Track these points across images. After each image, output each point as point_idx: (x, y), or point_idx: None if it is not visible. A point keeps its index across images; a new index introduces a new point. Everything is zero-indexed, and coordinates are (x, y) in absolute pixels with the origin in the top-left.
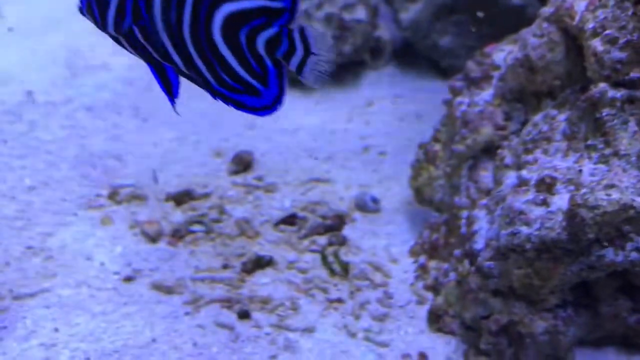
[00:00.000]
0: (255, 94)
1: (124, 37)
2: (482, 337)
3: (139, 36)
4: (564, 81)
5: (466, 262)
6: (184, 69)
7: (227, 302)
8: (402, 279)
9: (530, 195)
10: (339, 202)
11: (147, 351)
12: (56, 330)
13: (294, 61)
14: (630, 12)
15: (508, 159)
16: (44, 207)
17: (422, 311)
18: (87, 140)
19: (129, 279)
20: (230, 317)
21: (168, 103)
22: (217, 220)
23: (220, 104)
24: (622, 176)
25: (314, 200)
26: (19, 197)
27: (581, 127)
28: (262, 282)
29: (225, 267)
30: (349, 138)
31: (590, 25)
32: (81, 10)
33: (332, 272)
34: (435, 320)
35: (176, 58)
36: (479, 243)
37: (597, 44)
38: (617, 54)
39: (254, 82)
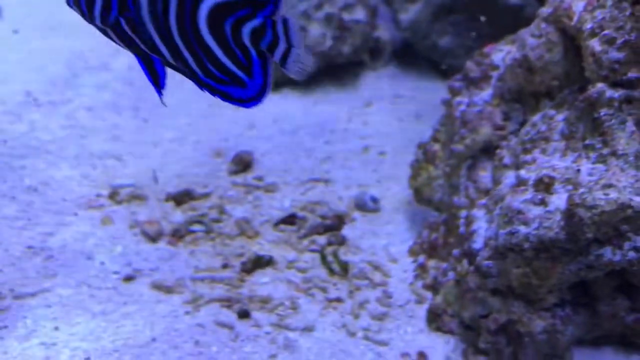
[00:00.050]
0: (241, 85)
1: (111, 28)
2: (480, 336)
3: (126, 28)
4: (562, 81)
5: (465, 262)
6: (171, 60)
7: (227, 302)
8: (401, 279)
9: (528, 194)
10: (338, 202)
11: (147, 350)
12: (56, 329)
13: (277, 53)
14: (628, 13)
15: (507, 159)
16: (45, 207)
17: (421, 310)
18: (87, 140)
19: (129, 278)
20: (230, 316)
21: (168, 102)
22: (217, 220)
23: (219, 104)
24: (620, 176)
25: (313, 200)
26: (19, 197)
27: (579, 127)
28: (262, 282)
29: (225, 266)
30: (349, 138)
31: (588, 25)
32: (68, 3)
33: (332, 272)
34: (434, 319)
35: (163, 49)
36: (477, 242)
37: (595, 44)
38: (615, 54)
39: (239, 72)
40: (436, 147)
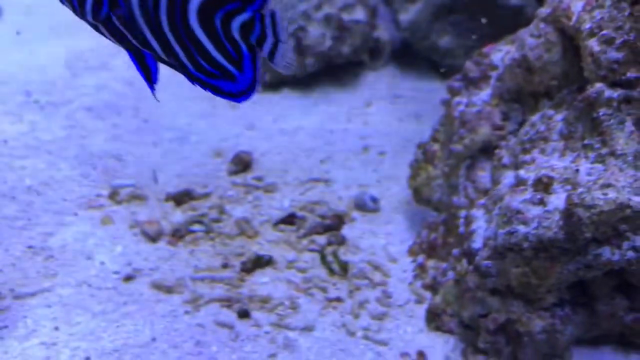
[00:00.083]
0: (231, 79)
1: (102, 24)
2: (480, 336)
3: (117, 23)
4: (561, 81)
5: (464, 261)
6: (162, 55)
7: (227, 301)
8: (400, 278)
9: (527, 194)
10: (338, 202)
11: (147, 350)
12: (57, 329)
13: (265, 47)
14: (626, 13)
15: (506, 159)
16: (45, 207)
17: (421, 310)
18: (87, 141)
19: (129, 278)
20: (230, 316)
21: (168, 103)
22: (217, 220)
23: (219, 104)
24: (619, 175)
25: (313, 200)
26: (19, 197)
27: (578, 127)
28: (262, 282)
29: (225, 266)
30: (348, 138)
31: (587, 25)
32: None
33: (331, 272)
34: (434, 319)
35: (154, 44)
36: (477, 242)
37: (593, 44)
38: (614, 54)
39: (229, 66)
40: (435, 147)
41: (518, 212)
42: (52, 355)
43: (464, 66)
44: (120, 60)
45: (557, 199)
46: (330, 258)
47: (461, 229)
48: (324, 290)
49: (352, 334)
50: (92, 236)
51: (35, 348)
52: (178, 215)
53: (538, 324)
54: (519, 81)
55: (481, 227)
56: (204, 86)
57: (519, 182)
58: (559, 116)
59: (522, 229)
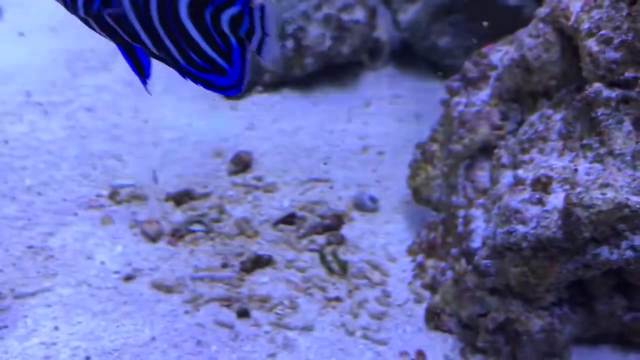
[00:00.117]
0: (222, 73)
1: (94, 19)
2: (479, 335)
3: (108, 19)
4: (560, 81)
5: (463, 261)
6: (153, 49)
7: (227, 301)
8: (400, 278)
9: (526, 194)
10: (337, 202)
11: (147, 350)
12: (56, 329)
13: (254, 41)
14: (624, 13)
15: (504, 159)
16: (45, 207)
17: (420, 310)
18: (87, 141)
19: (129, 278)
20: (229, 315)
21: (168, 103)
22: (217, 220)
23: (219, 104)
24: (617, 175)
25: (312, 200)
26: (19, 197)
27: (577, 126)
28: (261, 281)
29: (224, 266)
30: (348, 138)
31: (585, 25)
32: None
33: (331, 271)
34: (433, 318)
35: (145, 39)
36: (475, 242)
37: (592, 44)
38: (612, 54)
39: (219, 60)
40: (434, 147)
41: (517, 211)
42: (52, 354)
43: (462, 66)
44: (120, 60)
45: (556, 199)
46: (329, 258)
47: (460, 228)
48: (323, 289)
49: (351, 333)
50: (92, 236)
51: (35, 348)
52: (178, 215)
53: (537, 323)
54: (518, 81)
55: (480, 227)
56: (196, 80)
57: (518, 182)
58: (557, 116)
59: (520, 228)
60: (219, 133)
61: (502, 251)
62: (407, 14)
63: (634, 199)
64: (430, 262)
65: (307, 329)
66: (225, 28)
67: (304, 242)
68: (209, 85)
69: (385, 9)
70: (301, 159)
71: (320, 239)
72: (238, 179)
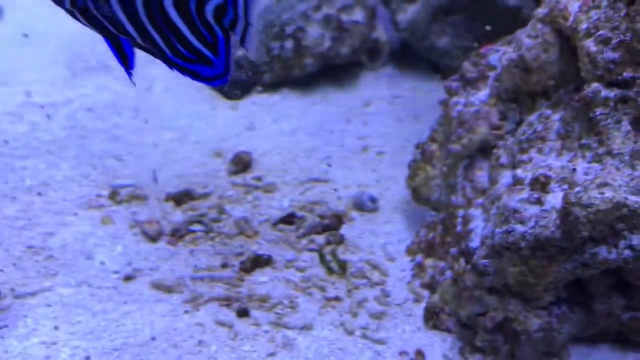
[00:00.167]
0: (208, 63)
1: (80, 12)
2: (478, 335)
3: (94, 11)
4: (558, 81)
5: (462, 261)
6: (139, 40)
7: (226, 301)
8: (399, 277)
9: (524, 194)
10: (337, 202)
11: (147, 349)
12: (57, 328)
13: (237, 30)
14: (623, 13)
15: (503, 159)
16: (45, 207)
17: (419, 309)
18: (87, 141)
19: (129, 278)
20: (229, 315)
21: (168, 103)
22: (217, 220)
23: (219, 105)
24: (615, 175)
25: (312, 200)
26: (19, 197)
27: (575, 126)
28: (261, 281)
29: (224, 266)
30: (347, 138)
31: (583, 26)
32: None
33: (330, 271)
34: (432, 317)
35: (131, 30)
36: (474, 241)
37: (590, 45)
38: (610, 54)
39: (205, 51)
40: (434, 147)
41: (515, 211)
42: (52, 354)
43: (461, 67)
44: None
45: (554, 198)
46: (329, 257)
47: (459, 228)
48: (322, 289)
49: (350, 332)
50: (92, 236)
51: (36, 347)
52: (178, 215)
53: (535, 322)
54: (517, 81)
55: (479, 226)
56: (182, 71)
57: (517, 182)
58: (556, 116)
59: (519, 228)
60: (218, 133)
61: (500, 251)
62: (406, 15)
63: (632, 198)
64: (429, 262)
65: (306, 328)
66: (210, 18)
67: (304, 241)
68: (195, 75)
69: (384, 10)
70: (301, 159)
71: (320, 238)
72: (238, 179)
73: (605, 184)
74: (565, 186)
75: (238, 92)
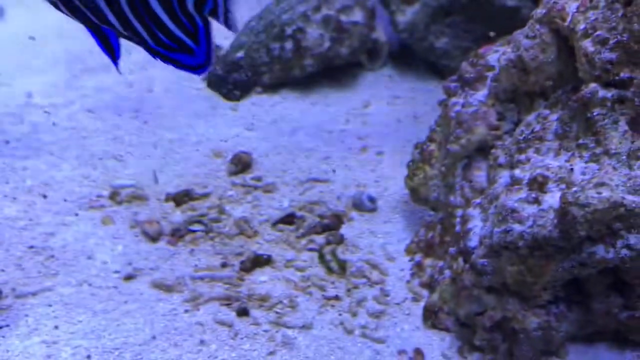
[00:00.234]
0: (190, 52)
1: (63, 2)
2: (476, 333)
3: (77, 2)
4: (556, 81)
5: (460, 260)
6: (122, 30)
7: (226, 300)
8: (398, 277)
9: (522, 193)
10: (336, 202)
11: (147, 348)
12: (57, 328)
13: (220, 17)
14: (620, 14)
15: (501, 159)
16: (46, 208)
17: (418, 308)
18: (88, 142)
19: (129, 277)
20: (229, 314)
21: (168, 104)
22: (217, 220)
23: (219, 105)
24: (613, 174)
25: (312, 200)
26: (20, 198)
27: (573, 126)
28: (261, 280)
29: (224, 265)
30: (347, 138)
31: (581, 26)
32: None
33: (330, 270)
34: (431, 317)
35: (113, 20)
36: (473, 241)
37: (588, 45)
38: (608, 55)
39: (186, 39)
40: (432, 147)
41: (513, 211)
42: (53, 353)
43: (460, 67)
44: (120, 62)
45: (552, 198)
46: (328, 257)
47: (458, 227)
48: (322, 288)
49: (349, 332)
50: (93, 236)
51: (37, 346)
52: (178, 215)
53: (533, 321)
54: (515, 81)
55: (477, 226)
56: (165, 60)
57: (515, 182)
58: (553, 116)
59: (517, 227)
60: (218, 134)
61: (498, 250)
62: (406, 16)
63: (630, 197)
64: (428, 261)
65: (306, 327)
66: (191, 8)
67: (303, 241)
68: (178, 64)
69: (383, 11)
70: (300, 159)
71: (320, 238)
72: (238, 179)
73: (602, 184)
74: (563, 186)
75: (238, 92)
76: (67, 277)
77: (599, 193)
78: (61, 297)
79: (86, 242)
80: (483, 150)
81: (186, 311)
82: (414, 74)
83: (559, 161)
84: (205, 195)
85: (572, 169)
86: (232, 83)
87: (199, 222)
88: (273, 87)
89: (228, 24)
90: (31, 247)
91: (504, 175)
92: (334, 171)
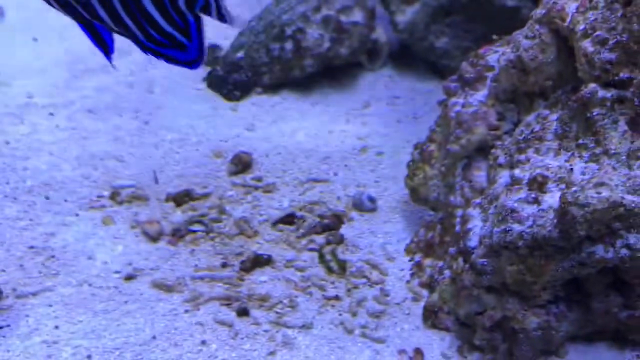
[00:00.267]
0: (182, 48)
1: None
2: (476, 333)
3: None
4: (556, 82)
5: (460, 260)
6: (113, 26)
7: (227, 300)
8: (398, 277)
9: (522, 193)
10: (336, 202)
11: (147, 348)
12: (58, 328)
13: (212, 12)
14: (619, 14)
15: (501, 159)
16: (46, 208)
17: (418, 308)
18: (88, 142)
19: (129, 277)
20: (229, 314)
21: (168, 104)
22: (217, 220)
23: (219, 105)
24: (612, 174)
25: (312, 200)
26: (21, 198)
27: (572, 126)
28: (261, 280)
29: (224, 265)
30: (347, 139)
31: (580, 26)
32: None
33: (330, 270)
34: (431, 316)
35: (104, 16)
36: (472, 241)
37: (587, 45)
38: (607, 55)
39: (178, 36)
40: (432, 147)
41: (513, 210)
42: (54, 353)
43: (460, 67)
44: (121, 63)
45: (552, 198)
46: (328, 257)
47: (457, 227)
48: (322, 288)
49: (349, 331)
50: (93, 236)
51: (37, 346)
52: (178, 216)
53: (533, 321)
54: (514, 82)
55: (477, 226)
56: (157, 55)
57: (514, 182)
58: (553, 116)
59: (517, 227)
60: (218, 134)
61: (498, 250)
62: (405, 16)
63: (629, 197)
64: (428, 261)
65: (306, 327)
66: (182, 6)
67: (304, 241)
68: (170, 59)
69: (383, 11)
70: (300, 159)
71: (320, 238)
72: (238, 179)
73: (602, 184)
74: (563, 186)
75: (238, 93)
76: (68, 277)
77: (599, 193)
78: (62, 297)
79: (87, 243)
80: (483, 150)
81: (186, 311)
82: (414, 74)
83: (558, 161)
84: (206, 196)
85: (571, 169)
86: (232, 83)
87: (200, 222)
88: (273, 88)
89: (222, 18)
90: (32, 247)
91: (503, 175)
92: (335, 174)
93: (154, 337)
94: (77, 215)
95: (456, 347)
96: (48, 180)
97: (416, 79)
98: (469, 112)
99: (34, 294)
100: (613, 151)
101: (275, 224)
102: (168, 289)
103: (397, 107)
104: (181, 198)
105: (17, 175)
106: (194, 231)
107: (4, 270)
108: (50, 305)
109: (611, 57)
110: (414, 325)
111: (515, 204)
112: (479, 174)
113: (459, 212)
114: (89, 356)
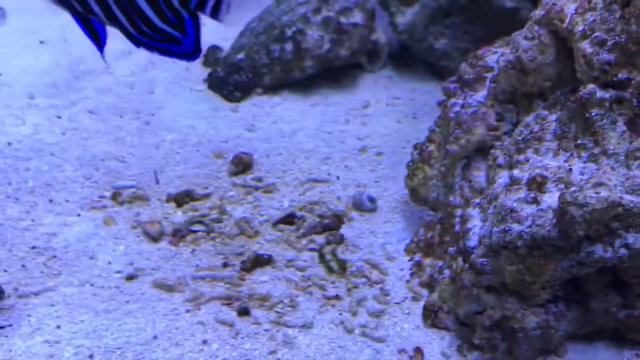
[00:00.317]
0: (176, 42)
1: None
2: (475, 333)
3: None
4: (555, 82)
5: (460, 260)
6: (105, 20)
7: (227, 300)
8: (398, 277)
9: (521, 193)
10: (336, 202)
11: (149, 348)
12: (60, 327)
13: (207, 10)
14: (618, 15)
15: (500, 159)
16: (48, 208)
17: (418, 308)
18: (89, 143)
19: (131, 277)
20: (230, 314)
21: (169, 105)
22: (218, 220)
23: (219, 106)
24: (611, 174)
25: (312, 200)
26: (23, 199)
27: (571, 127)
28: (261, 280)
29: (225, 265)
30: (347, 139)
31: (579, 27)
32: None
33: (330, 270)
34: (430, 316)
35: (97, 10)
36: (472, 240)
37: (586, 46)
38: (606, 56)
39: (171, 30)
40: (432, 147)
41: (512, 210)
42: (55, 352)
43: (459, 68)
44: (121, 64)
45: (551, 198)
46: (328, 257)
47: (457, 227)
48: (322, 288)
49: (350, 331)
50: (95, 236)
51: (39, 346)
52: (179, 216)
53: (532, 320)
54: (513, 82)
55: (476, 226)
56: (150, 49)
57: (514, 182)
58: (552, 117)
59: (516, 227)
60: (219, 134)
61: (498, 250)
62: (405, 17)
63: (628, 197)
64: (427, 261)
65: (306, 326)
66: (176, 3)
67: (304, 241)
68: (163, 52)
69: (383, 12)
70: (300, 159)
71: (320, 238)
72: (238, 179)
73: (600, 184)
74: (562, 186)
75: (238, 94)
76: (70, 277)
77: (597, 193)
78: (63, 297)
79: (88, 243)
80: (482, 150)
81: (187, 311)
82: (414, 75)
83: (557, 161)
84: (206, 196)
85: (570, 169)
86: (233, 84)
87: (200, 222)
88: (273, 89)
89: (215, 16)
90: (33, 247)
91: (503, 176)
92: (338, 178)
93: (155, 337)
94: (78, 215)
95: (456, 346)
96: (50, 180)
97: (416, 80)
98: (468, 113)
99: (36, 294)
100: (612, 151)
101: (275, 224)
102: (169, 288)
103: (396, 108)
104: (182, 198)
105: (19, 176)
106: (195, 231)
107: (6, 271)
108: (52, 305)
109: (610, 58)
110: (414, 324)
111: (515, 204)
112: (479, 174)
113: (459, 212)
114: (90, 356)
